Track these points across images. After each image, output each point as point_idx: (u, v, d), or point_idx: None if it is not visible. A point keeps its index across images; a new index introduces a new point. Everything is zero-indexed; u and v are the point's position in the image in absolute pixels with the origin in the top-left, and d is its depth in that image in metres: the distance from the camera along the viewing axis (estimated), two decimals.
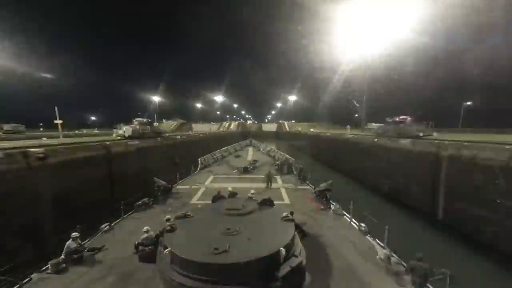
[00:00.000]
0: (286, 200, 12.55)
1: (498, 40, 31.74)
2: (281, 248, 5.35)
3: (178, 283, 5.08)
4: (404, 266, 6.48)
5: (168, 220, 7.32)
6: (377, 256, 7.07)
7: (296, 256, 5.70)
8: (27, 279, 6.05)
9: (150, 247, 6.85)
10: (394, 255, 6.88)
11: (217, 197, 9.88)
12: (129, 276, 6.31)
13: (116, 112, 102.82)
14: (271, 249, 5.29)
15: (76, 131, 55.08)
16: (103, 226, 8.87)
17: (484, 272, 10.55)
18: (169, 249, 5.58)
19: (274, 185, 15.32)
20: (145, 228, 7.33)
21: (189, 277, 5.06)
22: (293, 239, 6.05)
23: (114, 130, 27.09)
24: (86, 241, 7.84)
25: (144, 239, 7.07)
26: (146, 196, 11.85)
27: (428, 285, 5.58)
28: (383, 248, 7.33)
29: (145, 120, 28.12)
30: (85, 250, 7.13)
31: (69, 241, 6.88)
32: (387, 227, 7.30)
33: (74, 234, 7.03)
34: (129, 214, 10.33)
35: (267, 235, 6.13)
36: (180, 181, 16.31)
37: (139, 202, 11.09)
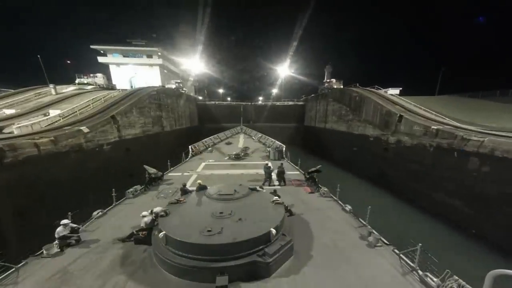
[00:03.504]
0: (276, 185, 12.53)
1: None
2: (272, 229, 5.89)
3: (174, 263, 5.39)
4: (383, 241, 7.00)
5: (155, 210, 7.32)
6: (359, 233, 7.51)
7: (285, 235, 6.24)
8: (22, 263, 5.98)
9: (144, 232, 6.88)
10: (374, 231, 7.21)
11: (185, 191, 9.52)
12: (126, 258, 6.28)
13: None
14: (262, 230, 5.78)
15: None
16: (96, 212, 8.77)
17: None
18: (164, 232, 5.81)
19: None
20: (143, 213, 7.29)
21: (184, 256, 5.42)
22: (282, 220, 6.58)
23: None
24: (79, 227, 7.64)
25: (142, 223, 7.10)
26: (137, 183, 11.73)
27: (402, 255, 6.29)
28: (365, 225, 7.86)
29: None
30: (77, 235, 7.05)
31: (59, 228, 6.79)
32: (369, 207, 7.96)
33: (64, 221, 6.95)
34: (121, 201, 10.17)
35: (258, 217, 6.52)
36: (172, 169, 15.95)
37: (131, 189, 10.95)
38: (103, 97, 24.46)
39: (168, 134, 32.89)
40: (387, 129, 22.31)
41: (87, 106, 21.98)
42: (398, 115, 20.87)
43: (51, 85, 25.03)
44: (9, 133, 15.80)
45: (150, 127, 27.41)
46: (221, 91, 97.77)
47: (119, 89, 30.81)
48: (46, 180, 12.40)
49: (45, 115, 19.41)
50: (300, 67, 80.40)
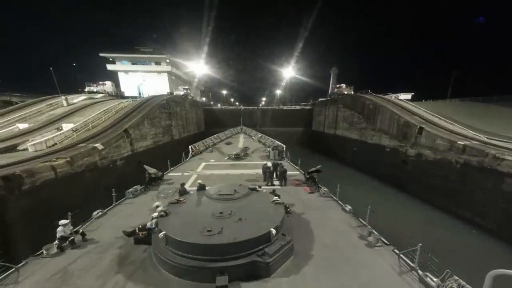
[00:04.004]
0: (277, 185, 12.52)
1: None
2: (272, 229, 5.87)
3: (174, 263, 5.38)
4: (383, 241, 6.97)
5: (158, 206, 7.57)
6: (359, 233, 7.48)
7: (285, 235, 6.25)
8: (22, 263, 5.96)
9: (144, 232, 6.84)
10: (374, 231, 7.17)
11: (182, 192, 9.52)
12: (126, 258, 6.23)
13: None
14: (262, 230, 5.77)
15: None
16: (96, 212, 8.74)
17: None
18: (164, 232, 5.79)
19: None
20: (154, 214, 7.19)
21: (184, 256, 5.40)
22: (282, 220, 6.54)
23: None
24: (79, 227, 7.67)
25: (148, 223, 7.01)
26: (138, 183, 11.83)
27: (402, 255, 6.27)
28: (365, 225, 7.78)
29: None
30: (78, 234, 7.06)
31: (59, 228, 6.75)
32: (369, 207, 7.92)
33: (63, 221, 6.90)
34: (121, 201, 10.17)
35: (258, 217, 6.51)
36: (172, 169, 15.88)
37: (131, 189, 10.94)
38: (114, 109, 24.25)
39: (177, 143, 32.57)
40: (406, 141, 21.51)
41: (99, 118, 21.77)
42: (418, 126, 20.08)
43: (63, 97, 24.99)
44: (24, 149, 15.62)
45: (161, 137, 27.13)
46: (225, 92, 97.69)
47: (128, 98, 30.45)
48: (63, 203, 12.04)
49: (58, 129, 19.23)
50: (304, 68, 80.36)
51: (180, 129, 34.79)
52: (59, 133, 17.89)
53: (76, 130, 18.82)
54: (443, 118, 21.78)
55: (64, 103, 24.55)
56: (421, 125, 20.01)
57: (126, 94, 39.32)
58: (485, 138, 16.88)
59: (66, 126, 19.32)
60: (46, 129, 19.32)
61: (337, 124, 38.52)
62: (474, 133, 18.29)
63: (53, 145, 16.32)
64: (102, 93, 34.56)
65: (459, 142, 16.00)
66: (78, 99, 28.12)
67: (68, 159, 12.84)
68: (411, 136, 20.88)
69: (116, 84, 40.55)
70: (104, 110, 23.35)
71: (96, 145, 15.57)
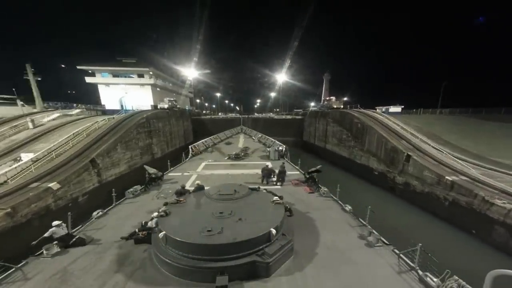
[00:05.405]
0: (277, 185, 12.57)
1: None
2: (272, 229, 5.90)
3: (174, 263, 5.41)
4: (383, 241, 6.95)
5: (165, 204, 7.65)
6: (359, 233, 7.47)
7: (285, 235, 6.24)
8: (22, 263, 5.99)
9: (144, 232, 6.90)
10: (374, 231, 7.16)
11: (181, 192, 9.38)
12: (126, 258, 6.27)
13: None
14: (262, 230, 5.80)
15: None
16: (96, 212, 8.74)
17: None
18: (164, 232, 5.82)
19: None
20: (154, 213, 7.37)
21: (184, 256, 5.44)
22: (282, 221, 6.55)
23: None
24: (79, 227, 7.75)
25: (149, 222, 7.22)
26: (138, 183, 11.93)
27: (402, 255, 6.23)
28: (365, 225, 7.77)
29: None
30: (76, 237, 6.98)
31: (53, 229, 6.67)
32: (369, 207, 7.91)
33: (55, 222, 6.83)
34: (121, 201, 10.19)
35: (258, 217, 6.54)
36: (172, 169, 16.07)
37: (131, 189, 11.03)
38: (86, 131, 22.46)
39: (159, 160, 30.89)
40: (394, 167, 20.59)
41: (67, 143, 19.99)
42: (406, 154, 19.18)
43: (28, 118, 23.02)
44: None
45: (138, 159, 25.49)
46: (218, 95, 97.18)
47: (110, 113, 28.47)
48: None
49: (15, 160, 17.44)
50: (298, 73, 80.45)
51: (163, 146, 33.16)
52: (14, 166, 16.10)
53: (36, 161, 17.07)
54: (431, 144, 20.94)
55: (30, 125, 22.63)
56: (408, 153, 19.11)
57: (107, 108, 37.42)
58: (474, 171, 16.03)
59: (25, 157, 17.49)
60: (3, 160, 17.48)
61: (327, 138, 37.63)
62: (462, 163, 17.45)
63: (4, 182, 14.58)
64: (80, 109, 32.59)
65: (447, 177, 15.08)
66: (48, 117, 26.17)
67: (9, 210, 11.17)
68: (398, 163, 19.97)
69: (97, 95, 38.55)
70: (73, 133, 21.57)
71: (51, 185, 13.89)
